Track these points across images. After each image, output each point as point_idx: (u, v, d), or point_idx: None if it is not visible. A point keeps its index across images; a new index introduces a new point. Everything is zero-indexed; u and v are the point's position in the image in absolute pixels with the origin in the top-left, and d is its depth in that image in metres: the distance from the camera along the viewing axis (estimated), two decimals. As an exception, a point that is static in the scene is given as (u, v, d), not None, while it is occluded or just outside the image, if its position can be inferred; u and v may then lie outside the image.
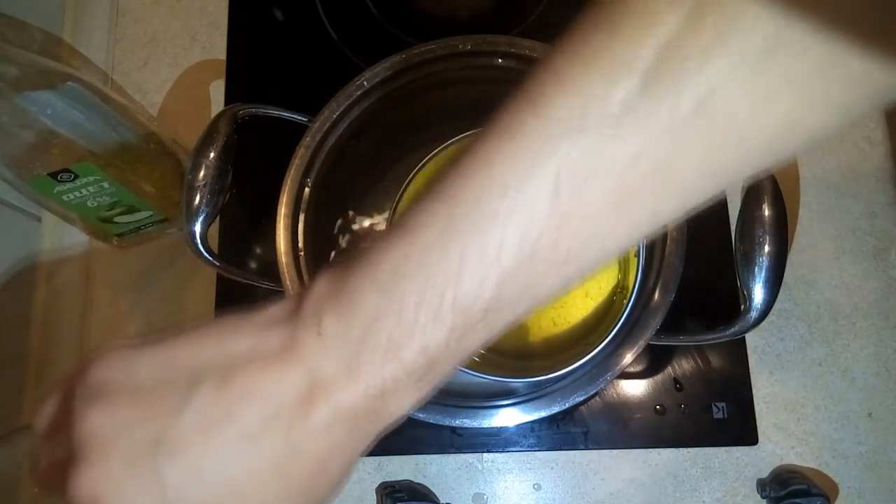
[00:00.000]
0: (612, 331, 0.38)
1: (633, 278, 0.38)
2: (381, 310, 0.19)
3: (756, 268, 0.36)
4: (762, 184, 0.38)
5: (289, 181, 0.41)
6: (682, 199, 0.19)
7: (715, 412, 0.48)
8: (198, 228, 0.39)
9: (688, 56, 0.17)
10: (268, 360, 0.19)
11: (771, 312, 0.37)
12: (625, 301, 0.38)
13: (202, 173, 0.39)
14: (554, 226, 0.18)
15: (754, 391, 0.48)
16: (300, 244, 0.41)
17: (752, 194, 0.37)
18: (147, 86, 0.55)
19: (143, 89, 0.55)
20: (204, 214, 0.39)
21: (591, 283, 0.43)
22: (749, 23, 0.16)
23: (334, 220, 0.50)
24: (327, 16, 0.55)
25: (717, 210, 0.50)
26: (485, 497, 0.47)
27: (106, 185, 0.43)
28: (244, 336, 0.20)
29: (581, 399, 0.39)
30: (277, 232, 0.40)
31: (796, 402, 0.49)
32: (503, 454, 0.48)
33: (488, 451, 0.48)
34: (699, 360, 0.49)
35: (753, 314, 0.37)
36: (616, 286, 0.42)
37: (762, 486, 0.47)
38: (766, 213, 0.37)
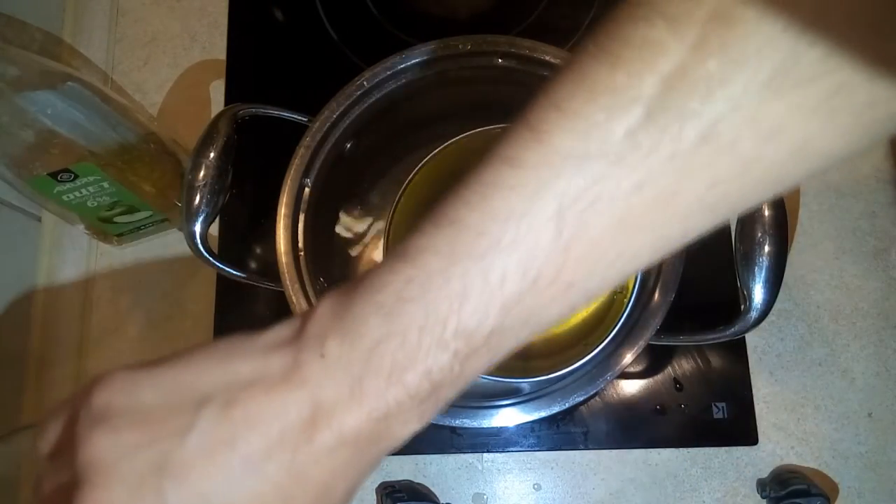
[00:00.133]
0: (612, 331, 0.38)
1: (633, 278, 0.38)
2: (385, 334, 0.19)
3: (756, 268, 0.36)
4: (762, 184, 0.37)
5: (289, 181, 0.41)
6: (686, 227, 0.19)
7: (715, 412, 0.48)
8: (198, 228, 0.39)
9: (692, 87, 0.17)
10: (271, 383, 0.19)
11: (771, 312, 0.37)
12: (625, 301, 0.38)
13: (202, 173, 0.39)
14: (557, 253, 0.19)
15: (754, 391, 0.48)
16: (300, 244, 0.41)
17: (752, 194, 0.37)
18: (147, 86, 0.55)
19: (143, 89, 0.55)
20: (204, 214, 0.39)
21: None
22: (754, 55, 0.16)
23: (334, 220, 0.50)
24: (327, 16, 0.55)
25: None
26: (485, 497, 0.47)
27: (106, 185, 0.43)
28: (247, 359, 0.20)
29: (581, 399, 0.39)
30: (277, 232, 0.40)
31: (796, 402, 0.49)
32: (503, 454, 0.48)
33: (488, 451, 0.48)
34: (699, 360, 0.49)
35: (753, 314, 0.37)
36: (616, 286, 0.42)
37: (762, 486, 0.47)
38: (766, 213, 0.37)
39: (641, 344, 0.39)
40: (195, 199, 0.38)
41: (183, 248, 0.51)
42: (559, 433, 0.47)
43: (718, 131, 0.17)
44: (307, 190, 0.42)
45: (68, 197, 0.43)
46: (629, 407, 0.48)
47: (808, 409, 0.49)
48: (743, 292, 0.37)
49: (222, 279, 0.50)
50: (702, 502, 0.47)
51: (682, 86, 0.17)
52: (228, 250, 0.50)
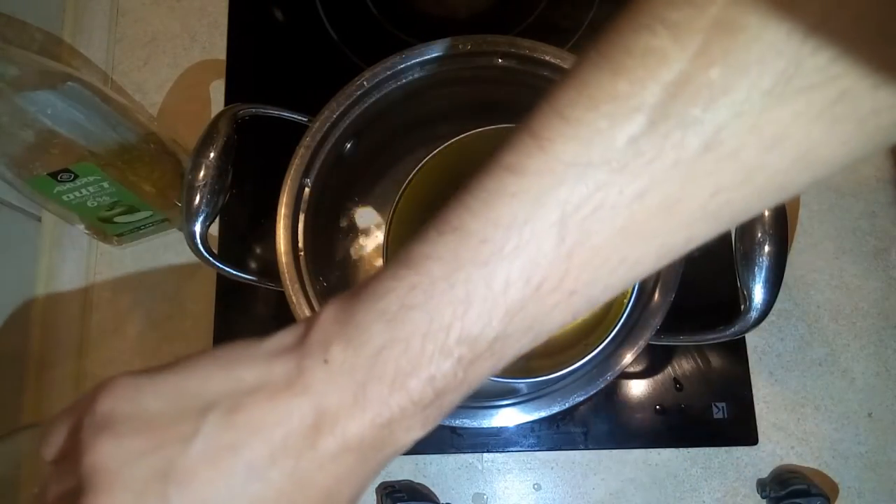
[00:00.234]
0: (612, 331, 0.38)
1: (633, 278, 0.38)
2: (388, 340, 0.19)
3: (756, 268, 0.36)
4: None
5: (289, 181, 0.41)
6: (690, 235, 0.19)
7: (715, 412, 0.48)
8: (198, 228, 0.39)
9: (694, 95, 0.17)
10: (275, 389, 0.19)
11: (771, 312, 0.37)
12: (625, 301, 0.38)
13: (202, 173, 0.39)
14: (560, 260, 0.19)
15: (754, 391, 0.48)
16: (300, 244, 0.41)
17: (752, 194, 0.37)
18: (147, 86, 0.55)
19: (143, 89, 0.55)
20: (204, 214, 0.39)
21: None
22: (756, 62, 0.16)
23: (334, 220, 0.50)
24: (327, 16, 0.55)
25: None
26: (485, 497, 0.47)
27: (106, 185, 0.43)
28: (251, 365, 0.20)
29: (581, 399, 0.39)
30: (277, 232, 0.40)
31: (796, 402, 0.49)
32: (503, 454, 0.48)
33: (488, 451, 0.48)
34: (699, 360, 0.49)
35: (753, 314, 0.37)
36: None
37: (762, 486, 0.47)
38: (766, 213, 0.36)
39: (641, 344, 0.39)
40: (195, 199, 0.38)
41: (183, 248, 0.51)
42: (559, 433, 0.47)
43: (721, 139, 0.17)
44: (307, 190, 0.42)
45: (68, 197, 0.43)
46: (629, 407, 0.48)
47: (808, 409, 0.49)
48: (743, 292, 0.37)
49: (222, 279, 0.50)
50: (702, 502, 0.47)
51: (684, 94, 0.17)
52: (228, 250, 0.50)
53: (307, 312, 0.39)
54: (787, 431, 0.48)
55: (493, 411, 0.40)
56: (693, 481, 0.48)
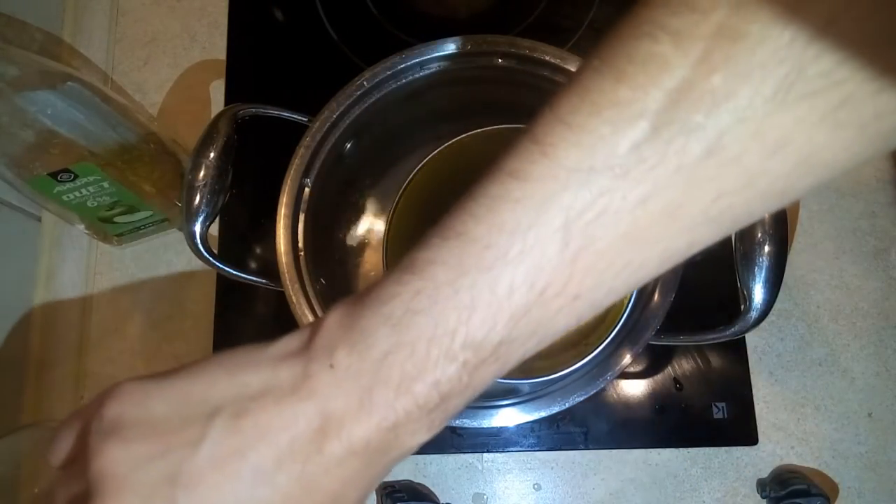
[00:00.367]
0: (612, 331, 0.38)
1: (633, 278, 0.38)
2: (394, 345, 0.19)
3: (756, 268, 0.36)
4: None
5: (289, 181, 0.41)
6: (692, 239, 0.19)
7: (715, 412, 0.48)
8: (198, 228, 0.39)
9: (697, 102, 0.17)
10: (281, 394, 0.19)
11: (771, 312, 0.37)
12: (625, 301, 0.38)
13: (202, 173, 0.39)
14: (564, 265, 0.19)
15: (754, 391, 0.48)
16: (300, 244, 0.41)
17: (752, 194, 0.37)
18: (147, 86, 0.55)
19: (143, 89, 0.55)
20: (204, 214, 0.38)
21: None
22: (759, 69, 0.16)
23: (334, 220, 0.50)
24: (327, 16, 0.55)
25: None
26: (485, 497, 0.47)
27: (106, 185, 0.43)
28: (257, 370, 0.20)
29: (581, 399, 0.39)
30: (277, 232, 0.40)
31: (796, 402, 0.49)
32: (503, 454, 0.48)
33: (488, 451, 0.48)
34: (699, 360, 0.49)
35: (753, 314, 0.37)
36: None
37: (762, 486, 0.47)
38: (766, 213, 0.36)
39: (641, 344, 0.39)
40: (195, 199, 0.38)
41: (183, 247, 0.51)
42: (559, 433, 0.47)
43: (723, 145, 0.17)
44: (307, 190, 0.42)
45: (68, 197, 0.43)
46: (629, 407, 0.48)
47: (808, 409, 0.49)
48: (743, 292, 0.37)
49: (222, 279, 0.50)
50: (702, 502, 0.47)
51: (686, 100, 0.17)
52: (228, 250, 0.50)
53: (307, 312, 0.39)
54: (787, 431, 0.48)
55: (493, 411, 0.40)
56: (693, 481, 0.48)
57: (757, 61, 0.16)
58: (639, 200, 0.18)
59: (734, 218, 0.19)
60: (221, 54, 0.55)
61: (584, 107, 0.18)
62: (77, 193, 0.43)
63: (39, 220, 0.51)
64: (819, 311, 0.50)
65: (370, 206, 0.51)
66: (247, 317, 0.50)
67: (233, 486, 0.19)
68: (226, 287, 0.50)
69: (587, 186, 0.18)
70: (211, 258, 0.39)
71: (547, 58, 0.42)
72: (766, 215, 0.37)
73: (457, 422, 0.40)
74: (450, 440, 0.47)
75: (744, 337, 0.49)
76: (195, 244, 0.39)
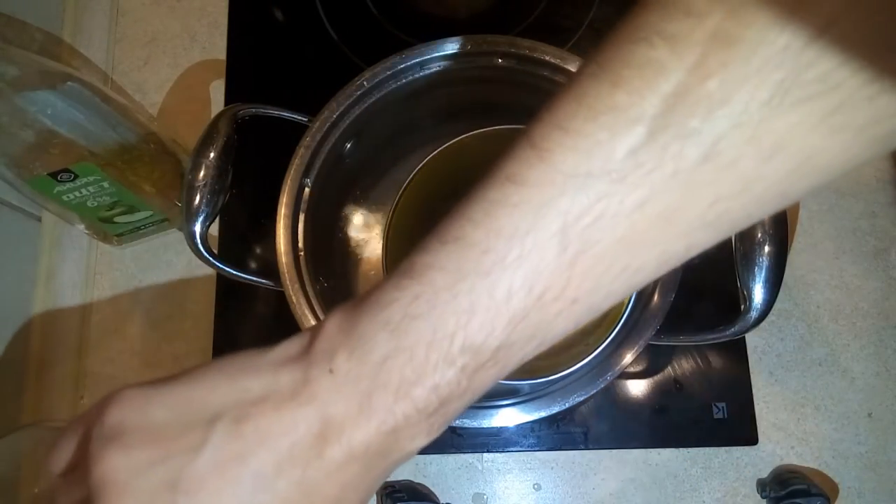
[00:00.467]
0: (612, 331, 0.38)
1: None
2: (392, 349, 0.19)
3: (756, 268, 0.36)
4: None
5: (289, 181, 0.41)
6: (689, 243, 0.19)
7: (715, 412, 0.48)
8: (198, 228, 0.39)
9: (693, 107, 0.17)
10: (281, 399, 0.20)
11: (771, 312, 0.37)
12: (625, 302, 0.38)
13: (202, 173, 0.39)
14: (562, 269, 0.19)
15: (754, 391, 0.48)
16: (300, 244, 0.41)
17: (752, 194, 0.37)
18: (147, 86, 0.55)
19: (143, 89, 0.55)
20: (204, 214, 0.38)
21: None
22: (754, 74, 0.16)
23: (334, 220, 0.50)
24: (327, 16, 0.55)
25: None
26: (485, 497, 0.47)
27: (106, 185, 0.43)
28: (257, 375, 0.20)
29: (581, 399, 0.39)
30: (277, 232, 0.40)
31: (796, 402, 0.49)
32: (503, 454, 0.48)
33: (488, 451, 0.48)
34: (699, 360, 0.49)
35: (753, 314, 0.37)
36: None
37: (762, 486, 0.47)
38: (766, 213, 0.36)
39: (641, 344, 0.39)
40: (195, 199, 0.38)
41: (183, 247, 0.51)
42: (559, 433, 0.47)
43: (720, 150, 0.17)
44: (307, 190, 0.41)
45: (68, 197, 0.43)
46: (629, 407, 0.48)
47: (808, 409, 0.49)
48: (743, 292, 0.37)
49: (222, 279, 0.50)
50: (702, 502, 0.47)
51: (682, 105, 0.17)
52: (228, 250, 0.50)
53: (307, 312, 0.39)
54: (787, 431, 0.48)
55: (493, 411, 0.40)
56: (693, 481, 0.48)
57: (752, 66, 0.16)
58: (636, 205, 0.18)
59: (731, 222, 0.19)
60: (221, 54, 0.55)
61: (581, 111, 0.18)
62: (77, 193, 0.43)
63: (39, 220, 0.51)
64: (819, 311, 0.50)
65: (370, 205, 0.51)
66: (247, 317, 0.50)
67: (233, 492, 0.19)
68: (226, 287, 0.50)
69: (584, 191, 0.18)
70: (211, 258, 0.39)
71: (547, 58, 0.42)
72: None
73: (457, 422, 0.40)
74: (450, 440, 0.47)
75: (744, 337, 0.49)
76: (195, 244, 0.39)
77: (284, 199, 0.41)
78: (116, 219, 0.47)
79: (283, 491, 0.19)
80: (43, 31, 0.52)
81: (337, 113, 0.42)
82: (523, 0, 0.55)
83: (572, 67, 0.41)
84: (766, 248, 0.36)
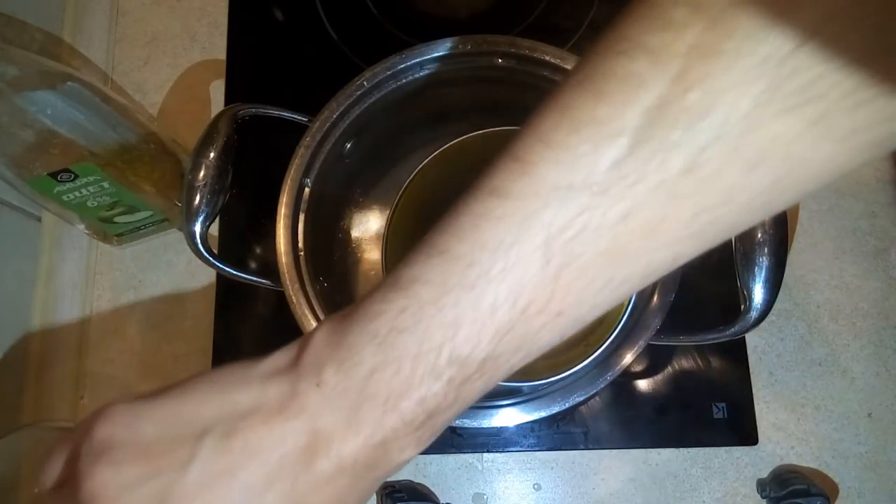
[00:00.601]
0: (612, 331, 0.38)
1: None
2: (380, 362, 0.19)
3: (756, 268, 0.36)
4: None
5: (289, 181, 0.41)
6: (674, 254, 0.20)
7: (715, 412, 0.48)
8: (198, 228, 0.39)
9: (674, 119, 0.17)
10: (269, 412, 0.20)
11: (771, 312, 0.37)
12: (625, 302, 0.38)
13: (202, 173, 0.39)
14: (546, 282, 0.19)
15: (754, 391, 0.48)
16: (300, 244, 0.41)
17: (752, 194, 0.37)
18: (147, 86, 0.55)
19: (143, 89, 0.55)
20: (204, 214, 0.39)
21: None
22: (734, 87, 0.16)
23: (334, 220, 0.50)
24: (327, 16, 0.55)
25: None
26: (485, 497, 0.47)
27: (106, 185, 0.43)
28: (245, 388, 0.20)
29: (581, 399, 0.39)
30: (277, 232, 0.40)
31: (796, 402, 0.49)
32: (503, 454, 0.48)
33: (488, 451, 0.48)
34: (699, 360, 0.49)
35: (753, 314, 0.37)
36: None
37: (762, 486, 0.47)
38: (766, 213, 0.36)
39: (641, 344, 0.39)
40: (195, 199, 0.38)
41: (183, 247, 0.51)
42: (559, 433, 0.47)
43: (702, 161, 0.17)
44: (307, 190, 0.42)
45: (68, 197, 0.43)
46: (629, 407, 0.48)
47: (808, 409, 0.49)
48: (743, 292, 0.37)
49: (222, 279, 0.50)
50: (702, 502, 0.47)
51: (664, 118, 0.17)
52: (228, 250, 0.50)
53: (307, 312, 0.39)
54: (787, 431, 0.48)
55: (493, 411, 0.40)
56: (693, 481, 0.48)
57: (733, 78, 0.16)
58: (619, 217, 0.18)
59: (716, 232, 0.19)
60: (221, 54, 0.55)
61: (564, 124, 0.18)
62: (77, 193, 0.43)
63: (39, 220, 0.51)
64: (819, 311, 0.50)
65: (370, 206, 0.51)
66: (247, 317, 0.50)
67: None
68: (226, 287, 0.50)
69: (567, 204, 0.18)
70: (211, 258, 0.39)
71: (547, 58, 0.42)
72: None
73: (457, 422, 0.40)
74: (450, 440, 0.47)
75: (744, 337, 0.49)
76: (195, 244, 0.39)
77: (284, 199, 0.41)
78: (116, 219, 0.47)
79: None
80: (43, 31, 0.52)
81: (337, 113, 0.42)
82: (523, 0, 0.55)
83: (572, 67, 0.41)
84: (766, 248, 0.36)
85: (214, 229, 0.50)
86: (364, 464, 0.20)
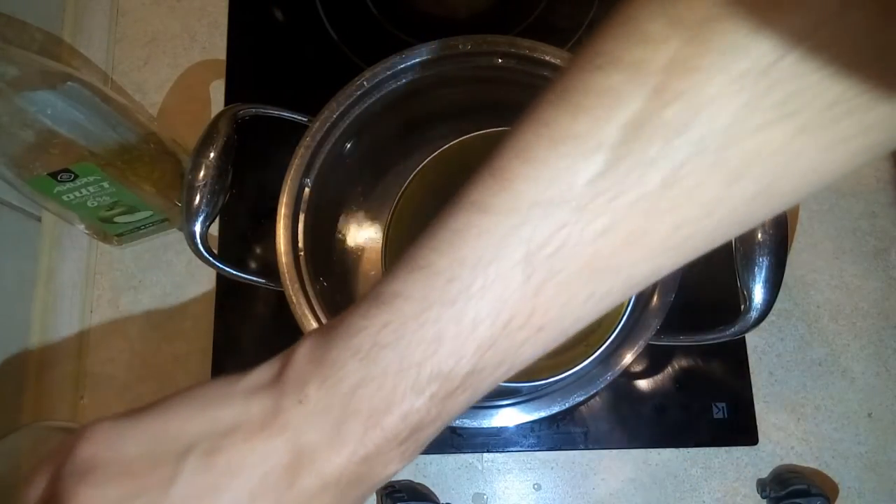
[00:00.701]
0: (612, 331, 0.38)
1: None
2: (362, 378, 0.19)
3: (756, 268, 0.36)
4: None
5: (289, 181, 0.41)
6: (655, 267, 0.20)
7: (715, 412, 0.48)
8: (198, 228, 0.39)
9: (652, 134, 0.17)
10: (252, 429, 0.20)
11: (771, 312, 0.37)
12: (625, 302, 0.38)
13: (202, 173, 0.39)
14: (527, 297, 0.19)
15: (754, 391, 0.48)
16: (300, 244, 0.41)
17: (752, 194, 0.37)
18: (147, 86, 0.55)
19: (143, 89, 0.55)
20: (204, 214, 0.39)
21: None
22: (711, 102, 0.16)
23: (334, 220, 0.50)
24: (327, 16, 0.55)
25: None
26: (485, 497, 0.47)
27: (106, 185, 0.43)
28: (228, 404, 0.20)
29: (581, 399, 0.39)
30: (277, 232, 0.40)
31: (796, 402, 0.49)
32: (503, 454, 0.48)
33: (488, 451, 0.48)
34: (699, 360, 0.49)
35: (753, 314, 0.37)
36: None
37: (762, 486, 0.47)
38: (766, 213, 0.36)
39: (641, 344, 0.39)
40: (195, 199, 0.38)
41: (183, 247, 0.51)
42: (559, 433, 0.47)
43: (680, 176, 0.17)
44: (307, 190, 0.41)
45: (68, 197, 0.43)
46: (629, 407, 0.48)
47: (808, 409, 0.49)
48: (743, 292, 0.37)
49: (222, 279, 0.50)
50: (702, 502, 0.47)
51: (642, 133, 0.17)
52: (228, 250, 0.50)
53: (307, 312, 0.39)
54: (787, 431, 0.48)
55: (493, 411, 0.40)
56: (693, 481, 0.48)
57: (710, 94, 0.16)
58: (599, 232, 0.18)
59: (697, 245, 0.19)
60: (221, 54, 0.55)
61: (542, 140, 0.18)
62: (77, 193, 0.43)
63: (39, 220, 0.51)
64: (819, 311, 0.50)
65: (370, 205, 0.51)
66: (247, 317, 0.50)
67: None
68: (226, 287, 0.50)
69: (547, 219, 0.18)
70: (211, 258, 0.39)
71: (547, 58, 0.42)
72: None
73: (457, 422, 0.40)
74: (450, 440, 0.47)
75: (744, 337, 0.49)
76: (195, 244, 0.39)
77: (284, 199, 0.41)
78: (116, 219, 0.47)
79: None
80: (43, 31, 0.52)
81: (337, 113, 0.42)
82: (523, 0, 0.55)
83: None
84: (766, 248, 0.36)
85: (214, 229, 0.50)
86: (349, 479, 0.20)
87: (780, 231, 0.36)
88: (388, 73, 0.42)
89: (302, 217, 0.41)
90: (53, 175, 0.40)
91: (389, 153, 0.50)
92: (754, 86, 0.16)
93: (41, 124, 0.38)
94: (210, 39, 0.56)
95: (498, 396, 0.41)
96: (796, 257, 0.51)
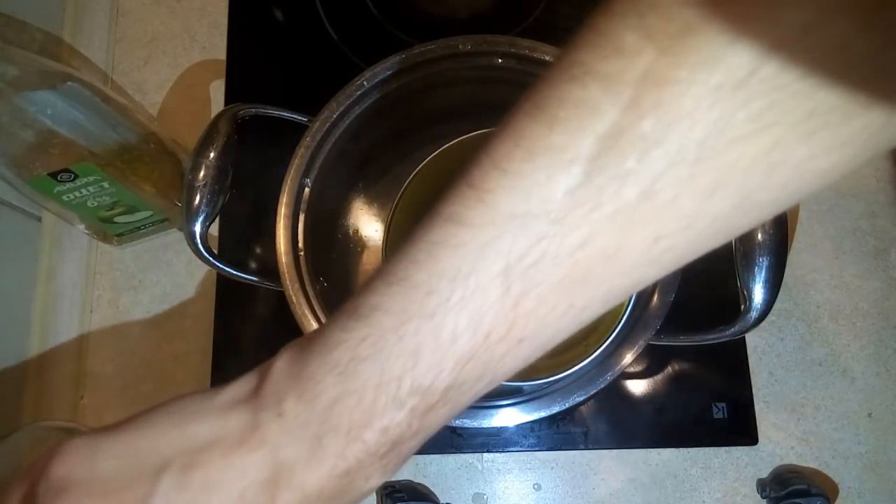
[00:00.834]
0: (612, 331, 0.38)
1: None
2: (341, 392, 0.19)
3: (756, 268, 0.36)
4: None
5: (289, 181, 0.41)
6: (634, 279, 0.19)
7: (715, 412, 0.48)
8: (198, 228, 0.39)
9: (628, 147, 0.17)
10: (230, 445, 0.19)
11: (771, 312, 0.37)
12: (624, 302, 0.38)
13: (202, 173, 0.39)
14: (506, 310, 0.19)
15: (754, 391, 0.48)
16: (300, 244, 0.41)
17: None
18: (147, 86, 0.55)
19: (143, 89, 0.55)
20: (204, 214, 0.39)
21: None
22: (688, 114, 0.16)
23: (334, 220, 0.50)
24: (327, 16, 0.55)
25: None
26: (485, 497, 0.47)
27: (106, 185, 0.43)
28: (205, 419, 0.20)
29: (581, 399, 0.39)
30: (277, 232, 0.40)
31: (796, 402, 0.49)
32: (503, 454, 0.48)
33: (488, 451, 0.48)
34: (699, 361, 0.49)
35: (753, 314, 0.37)
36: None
37: (762, 486, 0.47)
38: (766, 213, 0.36)
39: (641, 344, 0.39)
40: (195, 199, 0.38)
41: (183, 248, 0.51)
42: (559, 433, 0.47)
43: (657, 189, 0.17)
44: (307, 190, 0.42)
45: (68, 197, 0.43)
46: (629, 407, 0.48)
47: (808, 409, 0.49)
48: (743, 292, 0.37)
49: (222, 279, 0.50)
50: (702, 502, 0.47)
51: (618, 145, 0.17)
52: (228, 250, 0.50)
53: (307, 312, 0.39)
54: (787, 431, 0.48)
55: (493, 411, 0.40)
56: (693, 481, 0.48)
57: (685, 106, 0.16)
58: (577, 244, 0.18)
59: (677, 257, 0.19)
60: (221, 54, 0.55)
61: (519, 152, 0.18)
62: (77, 193, 0.43)
63: (39, 220, 0.51)
64: (819, 311, 0.50)
65: (370, 205, 0.51)
66: (247, 317, 0.50)
67: None
68: (226, 287, 0.50)
69: (525, 231, 0.18)
70: (211, 258, 0.39)
71: (547, 58, 0.42)
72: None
73: (457, 422, 0.40)
74: (450, 440, 0.47)
75: (744, 337, 0.49)
76: (195, 244, 0.39)
77: (284, 199, 0.41)
78: (116, 219, 0.47)
79: None
80: (43, 31, 0.52)
81: (337, 113, 0.42)
82: (523, 0, 0.55)
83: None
84: (766, 248, 0.36)
85: (214, 229, 0.50)
86: (329, 494, 0.19)
87: (780, 231, 0.36)
88: (388, 73, 0.42)
89: (302, 217, 0.41)
90: (53, 175, 0.40)
91: (389, 153, 0.50)
92: (729, 99, 0.16)
93: (41, 124, 0.38)
94: (210, 39, 0.56)
95: (498, 396, 0.41)
96: (796, 257, 0.51)
